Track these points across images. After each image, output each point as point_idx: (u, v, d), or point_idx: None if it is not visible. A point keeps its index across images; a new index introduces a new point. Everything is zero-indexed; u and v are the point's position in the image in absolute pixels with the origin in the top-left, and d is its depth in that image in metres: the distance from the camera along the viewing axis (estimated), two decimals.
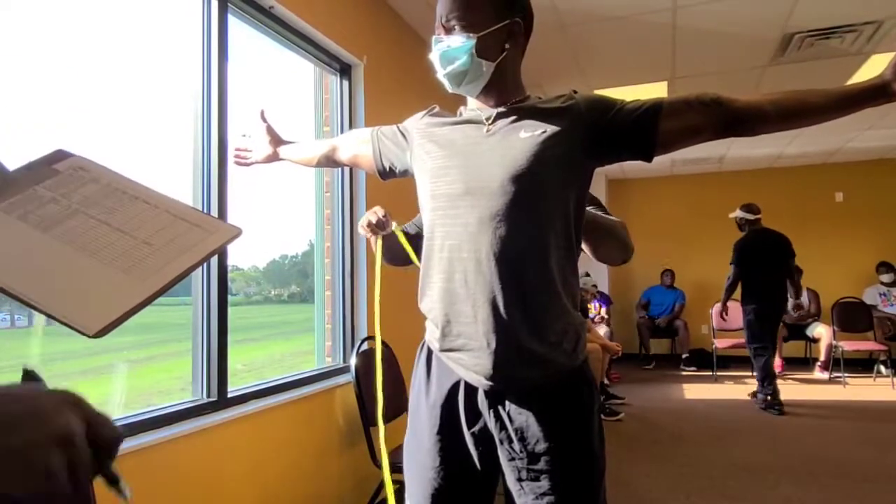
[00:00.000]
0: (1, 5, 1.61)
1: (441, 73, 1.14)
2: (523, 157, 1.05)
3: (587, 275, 5.79)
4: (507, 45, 1.13)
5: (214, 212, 1.94)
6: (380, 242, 1.35)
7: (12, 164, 0.89)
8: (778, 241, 4.74)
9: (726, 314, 5.04)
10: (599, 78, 4.33)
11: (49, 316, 0.72)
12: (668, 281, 7.45)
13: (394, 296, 2.98)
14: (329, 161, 1.41)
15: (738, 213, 4.93)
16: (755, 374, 4.88)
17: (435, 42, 1.13)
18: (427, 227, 1.16)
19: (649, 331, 7.27)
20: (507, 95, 1.16)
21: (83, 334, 0.71)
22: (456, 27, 1.10)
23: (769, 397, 4.65)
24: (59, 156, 0.98)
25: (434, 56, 1.13)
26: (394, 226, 1.36)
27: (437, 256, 1.12)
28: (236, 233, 0.94)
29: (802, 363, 6.76)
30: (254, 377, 2.45)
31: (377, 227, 1.32)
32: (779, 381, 4.78)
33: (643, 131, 1.06)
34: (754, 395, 4.94)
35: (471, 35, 1.09)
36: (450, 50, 1.11)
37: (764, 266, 4.72)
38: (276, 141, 1.48)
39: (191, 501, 1.74)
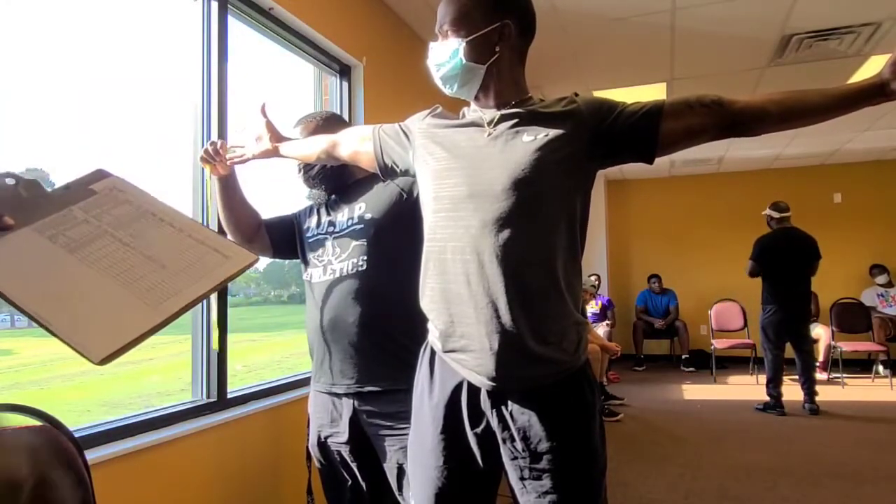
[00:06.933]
0: (1, 5, 1.61)
1: (435, 78, 1.19)
2: (526, 162, 1.05)
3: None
4: (497, 48, 1.13)
5: (213, 212, 1.94)
6: (209, 171, 1.54)
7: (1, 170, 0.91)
8: (804, 241, 4.59)
9: None
10: (598, 79, 4.34)
11: (60, 339, 0.74)
12: (657, 286, 7.45)
13: None
14: (329, 158, 1.41)
15: (766, 211, 4.81)
16: (766, 373, 4.73)
17: (430, 48, 1.18)
18: (428, 228, 1.16)
19: (644, 333, 7.30)
20: (507, 96, 1.16)
21: (89, 360, 0.73)
22: (449, 32, 1.15)
23: (773, 398, 4.63)
24: (98, 176, 1.00)
25: (429, 61, 1.19)
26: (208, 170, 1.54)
27: (438, 258, 1.12)
28: (252, 260, 0.97)
29: None
30: (254, 378, 2.45)
31: (211, 156, 1.48)
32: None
33: (644, 133, 1.07)
34: (764, 408, 4.70)
35: (459, 40, 1.13)
36: (439, 54, 1.16)
37: (786, 266, 4.57)
38: (277, 137, 1.46)
39: (191, 502, 1.75)
